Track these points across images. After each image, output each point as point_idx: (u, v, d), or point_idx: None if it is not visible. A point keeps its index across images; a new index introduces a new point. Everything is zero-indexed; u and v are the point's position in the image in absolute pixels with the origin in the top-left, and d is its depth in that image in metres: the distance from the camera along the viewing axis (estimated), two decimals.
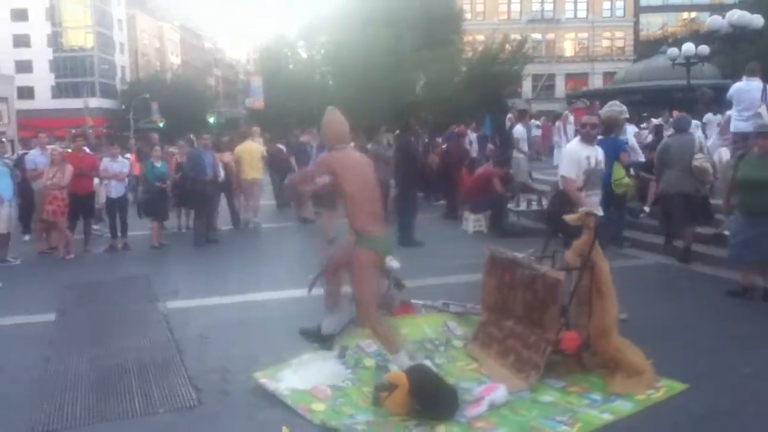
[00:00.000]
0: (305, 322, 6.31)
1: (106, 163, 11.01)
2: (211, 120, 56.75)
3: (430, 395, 4.27)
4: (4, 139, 12.72)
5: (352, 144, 6.56)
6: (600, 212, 5.86)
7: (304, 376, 4.78)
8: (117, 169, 10.96)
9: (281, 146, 16.90)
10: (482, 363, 5.13)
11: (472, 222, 11.27)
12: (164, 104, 56.94)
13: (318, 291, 5.84)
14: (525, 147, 13.16)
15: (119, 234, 10.90)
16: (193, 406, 4.58)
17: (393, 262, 5.63)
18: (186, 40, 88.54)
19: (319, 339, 5.34)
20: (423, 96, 36.23)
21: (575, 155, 5.99)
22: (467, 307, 5.91)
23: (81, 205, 10.66)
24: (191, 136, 15.77)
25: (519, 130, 13.31)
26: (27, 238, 12.00)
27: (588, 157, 5.94)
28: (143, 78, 69.30)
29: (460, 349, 5.42)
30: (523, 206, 11.32)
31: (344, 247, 5.18)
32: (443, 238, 10.85)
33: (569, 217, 5.19)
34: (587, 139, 6.07)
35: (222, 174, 11.96)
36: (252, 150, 13.02)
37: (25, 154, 12.99)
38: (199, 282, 8.50)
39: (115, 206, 10.91)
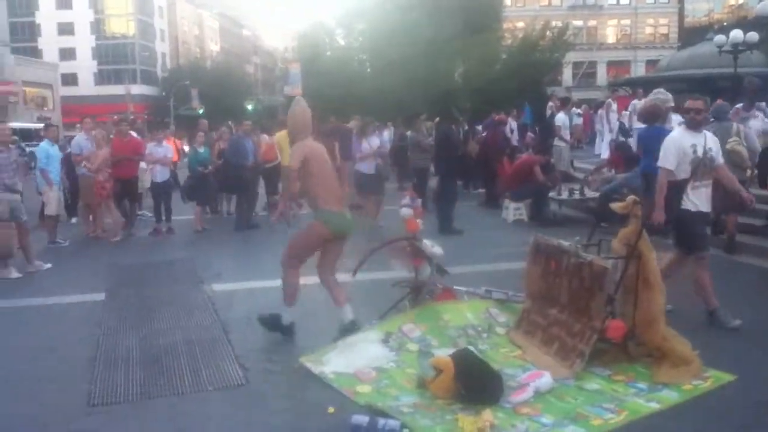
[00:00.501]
0: (350, 305, 6.43)
1: (151, 148, 11.23)
2: (250, 107, 57.29)
3: (476, 380, 4.29)
4: (55, 125, 13.01)
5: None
6: (708, 206, 5.70)
7: (348, 359, 4.85)
8: (162, 154, 11.17)
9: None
10: (526, 350, 5.13)
11: (513, 210, 11.21)
12: (204, 91, 57.65)
13: (361, 276, 5.92)
14: (567, 135, 13.03)
15: (164, 218, 11.12)
16: (241, 385, 4.68)
17: (436, 248, 5.66)
18: (225, 28, 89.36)
19: (281, 329, 5.58)
20: (462, 84, 35.99)
21: (677, 144, 5.63)
22: (509, 295, 5.91)
23: (124, 189, 10.93)
24: (229, 122, 15.99)
25: (561, 118, 13.17)
26: (74, 221, 12.32)
27: (694, 146, 5.59)
28: (183, 65, 70.27)
29: (503, 336, 5.42)
30: (564, 195, 11.21)
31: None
32: (483, 227, 10.84)
33: (616, 205, 5.15)
34: (693, 126, 5.69)
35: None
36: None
37: (71, 138, 13.32)
38: (242, 266, 8.63)
39: (160, 191, 11.13)
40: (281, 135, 12.71)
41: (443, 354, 4.80)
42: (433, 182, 11.37)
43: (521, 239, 9.53)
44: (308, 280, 7.44)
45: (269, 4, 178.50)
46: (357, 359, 4.85)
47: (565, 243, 5.22)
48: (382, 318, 5.62)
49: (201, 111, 52.71)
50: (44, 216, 10.54)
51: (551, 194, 11.19)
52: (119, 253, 9.72)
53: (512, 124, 17.72)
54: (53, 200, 10.03)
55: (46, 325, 6.24)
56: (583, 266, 4.89)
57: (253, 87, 77.04)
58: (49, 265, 8.50)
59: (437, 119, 13.82)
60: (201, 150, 11.44)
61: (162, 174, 11.16)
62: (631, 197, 5.14)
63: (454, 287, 5.90)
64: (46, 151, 10.08)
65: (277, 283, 7.33)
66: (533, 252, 5.49)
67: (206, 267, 8.44)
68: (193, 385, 4.68)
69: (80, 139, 11.53)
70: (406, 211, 5.75)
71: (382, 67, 35.94)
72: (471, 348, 4.95)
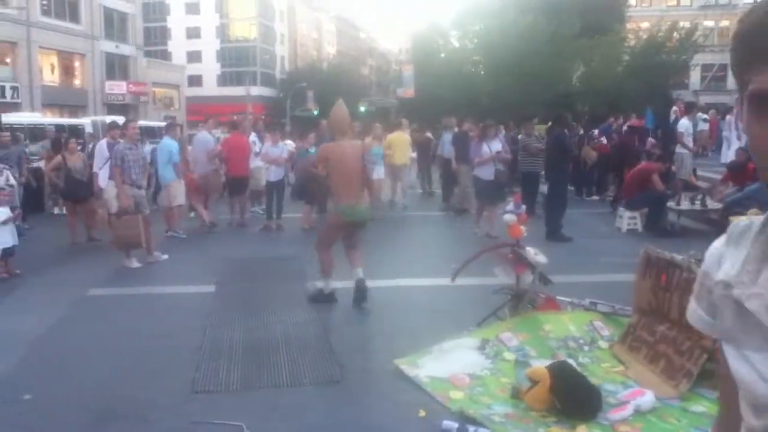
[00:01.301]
0: (445, 310, 6.41)
1: (267, 148, 11.65)
2: (363, 109, 58.14)
3: (572, 394, 4.14)
4: (178, 123, 13.84)
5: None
6: None
7: (443, 365, 4.81)
8: (277, 154, 11.56)
9: (429, 135, 17.15)
10: (629, 366, 4.89)
11: (627, 219, 10.73)
12: (319, 93, 59.11)
13: (461, 281, 5.87)
14: (690, 142, 12.32)
15: (275, 215, 11.51)
16: (337, 381, 4.76)
17: (540, 257, 5.51)
18: (342, 31, 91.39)
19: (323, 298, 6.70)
20: (580, 86, 34.95)
21: None
22: (616, 308, 5.66)
23: (236, 186, 11.55)
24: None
25: (684, 124, 12.48)
26: (192, 215, 12.98)
27: None
28: (301, 67, 72.44)
29: (606, 350, 5.20)
30: (684, 205, 10.60)
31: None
32: (594, 235, 10.45)
33: (737, 219, 4.81)
34: None
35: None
36: (401, 139, 14.08)
37: (193, 135, 14.09)
38: (346, 265, 8.74)
39: (273, 189, 11.53)
40: (392, 136, 13.87)
41: (540, 365, 4.68)
42: (544, 187, 11.06)
43: (633, 250, 9.13)
44: (407, 282, 7.55)
45: (385, 6, 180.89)
46: (452, 365, 4.80)
47: (678, 257, 4.93)
48: (480, 325, 5.54)
49: (316, 112, 54.13)
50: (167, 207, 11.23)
51: (670, 204, 10.63)
52: (231, 247, 10.14)
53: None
54: (181, 191, 10.75)
55: (161, 313, 6.60)
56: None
57: (367, 89, 78.29)
58: (166, 257, 9.00)
59: (549, 123, 13.45)
60: (311, 150, 11.72)
61: (276, 173, 11.55)
62: (753, 210, 4.79)
63: (558, 297, 5.72)
64: (170, 146, 10.73)
65: (379, 283, 7.50)
66: (643, 264, 5.22)
67: (311, 264, 8.61)
68: (291, 379, 4.80)
69: (205, 136, 12.22)
70: (509, 217, 5.64)
71: (496, 69, 35.57)
72: (570, 360, 4.79)
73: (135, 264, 8.55)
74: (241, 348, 5.45)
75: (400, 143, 13.83)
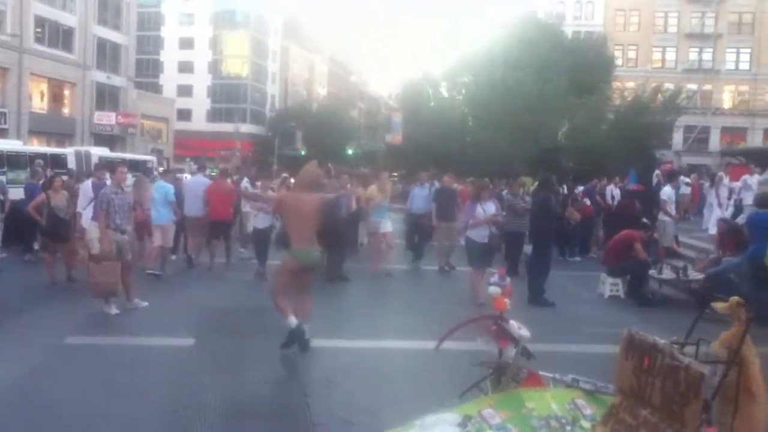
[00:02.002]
0: (429, 376, 6.36)
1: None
2: (350, 151, 58.59)
3: None
4: (174, 169, 14.07)
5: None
6: None
7: None
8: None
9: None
10: None
11: (609, 285, 10.79)
12: (308, 133, 59.56)
13: (445, 345, 5.83)
14: (672, 210, 12.50)
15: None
16: None
17: (523, 331, 5.49)
18: (334, 72, 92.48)
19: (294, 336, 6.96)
20: (565, 143, 35.50)
21: None
22: (598, 386, 5.61)
23: (216, 230, 11.93)
24: (329, 165, 16.42)
25: (667, 191, 12.67)
26: (174, 258, 12.89)
27: None
28: (291, 107, 73.00)
29: (588, 431, 5.16)
30: (665, 274, 10.69)
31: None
32: (577, 301, 10.49)
33: (718, 305, 4.84)
34: None
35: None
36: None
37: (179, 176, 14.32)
38: (328, 321, 8.64)
39: (261, 236, 11.51)
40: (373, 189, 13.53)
41: None
42: (528, 248, 11.09)
43: (614, 319, 9.23)
44: (389, 344, 7.49)
45: (379, 51, 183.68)
46: None
47: (661, 341, 4.94)
48: (462, 397, 5.49)
49: (303, 152, 54.40)
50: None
51: (651, 272, 10.72)
52: (212, 295, 10.02)
53: (613, 190, 17.25)
54: (171, 234, 11.32)
55: (138, 367, 6.47)
56: (678, 369, 4.59)
57: (356, 132, 78.93)
58: (146, 304, 8.87)
59: (534, 184, 13.60)
60: None
61: (263, 220, 11.53)
62: (734, 298, 4.82)
63: (540, 372, 5.68)
64: (166, 188, 11.49)
65: (363, 344, 7.46)
66: (626, 346, 5.19)
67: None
68: None
69: (200, 179, 12.63)
70: (493, 289, 5.62)
71: (484, 121, 36.09)
72: None
73: (114, 310, 8.42)
74: (218, 413, 5.33)
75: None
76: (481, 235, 9.97)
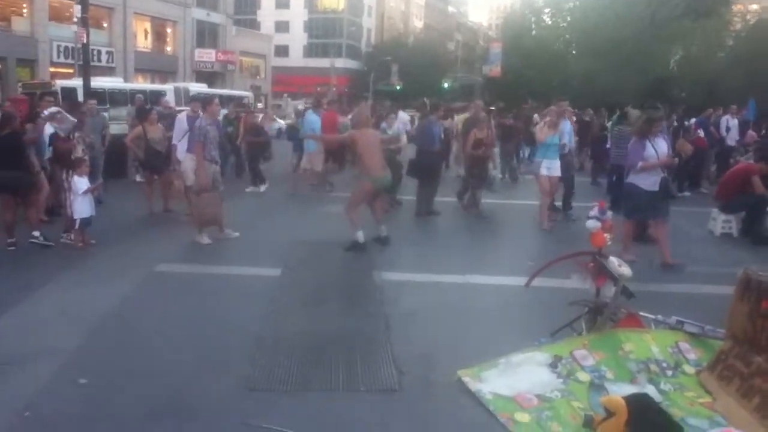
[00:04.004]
0: (516, 314, 6.05)
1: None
2: (446, 85, 57.43)
3: (652, 430, 3.74)
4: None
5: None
6: None
7: (509, 380, 4.47)
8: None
9: (510, 120, 16.82)
10: (718, 398, 4.41)
11: (721, 222, 9.96)
12: (404, 67, 58.72)
13: (536, 282, 5.48)
14: None
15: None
16: (395, 390, 4.49)
17: (624, 268, 5.04)
18: (430, 4, 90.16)
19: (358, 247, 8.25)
20: (678, 72, 33.13)
21: None
22: (705, 329, 5.13)
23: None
24: (425, 99, 16.00)
25: None
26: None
27: None
28: (387, 41, 72.00)
29: (692, 377, 4.72)
30: None
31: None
32: (684, 239, 9.71)
33: None
34: None
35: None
36: None
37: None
38: (416, 255, 8.47)
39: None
40: (460, 118, 14.44)
41: (617, 390, 4.28)
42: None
43: (725, 258, 8.51)
44: (478, 279, 7.20)
45: None
46: (519, 382, 4.45)
47: None
48: (553, 336, 5.16)
49: (399, 87, 53.78)
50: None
51: None
52: (303, 228, 9.99)
53: (729, 121, 15.90)
54: (318, 158, 13.33)
55: (225, 296, 6.51)
56: None
57: (453, 64, 77.13)
58: (237, 234, 8.95)
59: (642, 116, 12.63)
60: (389, 132, 11.44)
61: None
62: None
63: (641, 313, 5.24)
64: (313, 121, 13.20)
65: (448, 278, 7.21)
66: (742, 287, 4.68)
67: (380, 252, 8.40)
68: (347, 383, 4.57)
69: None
70: (592, 223, 5.18)
71: (589, 50, 34.16)
72: (651, 387, 4.37)
73: (206, 240, 8.53)
74: (301, 343, 5.25)
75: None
76: (650, 181, 7.92)
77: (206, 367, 4.77)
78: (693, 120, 15.88)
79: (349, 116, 13.04)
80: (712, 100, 23.15)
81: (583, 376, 4.56)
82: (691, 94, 31.17)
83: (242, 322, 5.71)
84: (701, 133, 14.70)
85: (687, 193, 14.11)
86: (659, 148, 7.94)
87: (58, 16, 34.17)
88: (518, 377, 4.52)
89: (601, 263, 5.10)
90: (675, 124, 14.89)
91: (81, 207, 8.09)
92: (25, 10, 34.02)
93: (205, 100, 9.11)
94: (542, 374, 4.59)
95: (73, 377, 4.50)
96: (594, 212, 5.24)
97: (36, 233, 8.18)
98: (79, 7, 19.95)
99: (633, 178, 8.04)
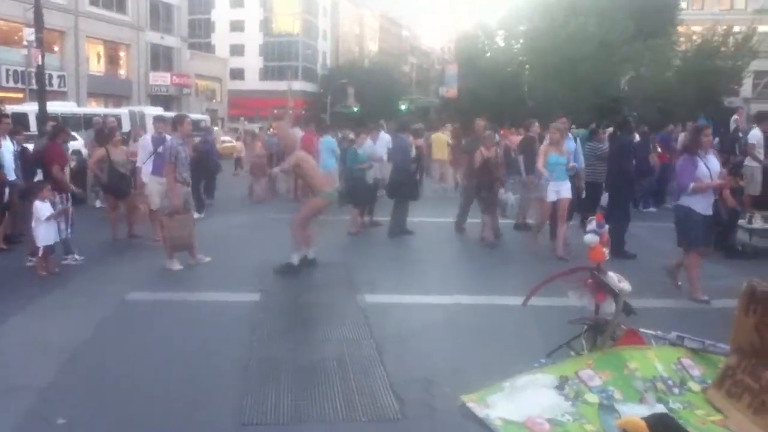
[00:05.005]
0: (512, 334, 5.88)
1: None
2: (403, 107, 57.71)
3: None
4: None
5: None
6: None
7: (517, 405, 4.28)
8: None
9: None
10: (729, 416, 4.29)
11: None
12: (360, 90, 58.89)
13: (534, 302, 5.32)
14: (761, 155, 11.49)
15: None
16: (397, 419, 4.26)
17: (624, 284, 4.92)
18: (385, 28, 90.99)
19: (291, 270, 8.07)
20: (629, 91, 33.94)
21: None
22: (706, 344, 5.04)
23: None
24: (381, 121, 16.02)
25: (755, 135, 11.60)
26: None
27: None
28: (342, 63, 72.22)
29: (698, 394, 4.60)
30: (757, 223, 9.86)
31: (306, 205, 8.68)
32: (659, 253, 9.75)
33: None
34: None
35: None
36: (440, 139, 17.81)
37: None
38: (397, 276, 8.27)
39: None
40: (436, 136, 17.03)
41: (628, 410, 4.13)
42: (603, 199, 10.34)
43: (706, 271, 8.50)
44: (469, 299, 7.02)
45: (430, 4, 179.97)
46: (527, 406, 4.26)
47: None
48: (551, 356, 5.00)
49: (356, 109, 53.84)
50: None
51: (741, 221, 9.90)
52: (273, 250, 9.65)
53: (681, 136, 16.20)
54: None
55: (204, 323, 6.17)
56: None
57: (408, 87, 77.71)
58: (209, 259, 8.60)
59: (610, 129, 12.75)
60: (360, 151, 11.27)
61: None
62: None
63: (640, 330, 5.13)
64: (331, 143, 13.68)
65: (435, 299, 7.01)
66: (746, 299, 4.60)
67: (360, 273, 8.17)
68: (345, 413, 4.32)
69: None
70: (591, 238, 5.06)
71: (543, 71, 34.73)
72: (660, 406, 4.24)
73: (177, 266, 8.17)
74: (291, 371, 4.98)
75: (439, 142, 17.51)
76: (704, 204, 7.17)
77: (192, 400, 4.46)
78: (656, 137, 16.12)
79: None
80: (664, 117, 23.72)
81: (592, 398, 4.40)
82: (642, 112, 31.91)
83: (225, 351, 5.41)
84: (659, 149, 14.95)
85: (653, 209, 14.27)
86: (712, 166, 7.18)
87: (6, 39, 33.19)
88: (525, 401, 4.34)
89: (601, 279, 4.98)
90: (637, 140, 15.08)
91: (45, 234, 7.67)
92: None
93: (176, 119, 8.74)
94: (550, 397, 4.41)
95: (50, 415, 4.15)
96: (591, 226, 5.13)
97: None
98: (30, 30, 19.35)
99: (686, 200, 7.21)
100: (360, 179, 11.04)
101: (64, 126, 10.46)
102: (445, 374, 4.93)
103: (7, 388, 4.54)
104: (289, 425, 4.16)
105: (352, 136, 13.37)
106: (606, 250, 5.10)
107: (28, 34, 23.34)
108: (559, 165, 9.33)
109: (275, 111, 58.19)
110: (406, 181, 10.92)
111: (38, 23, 18.31)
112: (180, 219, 8.11)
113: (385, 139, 12.85)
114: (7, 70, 32.83)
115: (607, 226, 5.22)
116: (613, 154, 9.94)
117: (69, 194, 8.77)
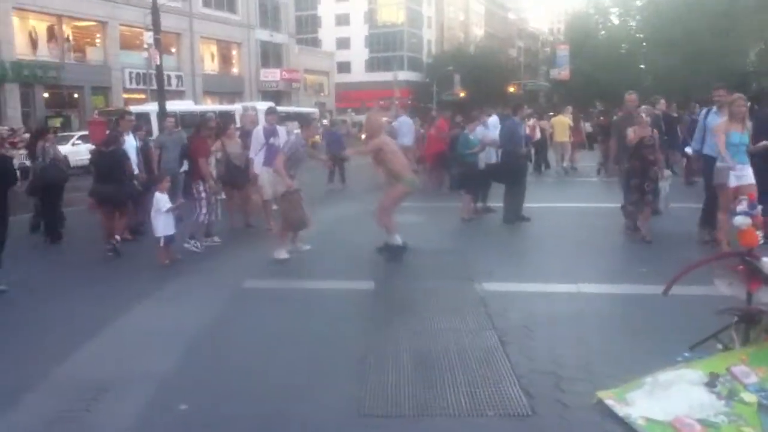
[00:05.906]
0: (647, 326, 5.42)
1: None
2: (512, 91, 56.47)
3: None
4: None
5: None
6: None
7: (662, 403, 3.86)
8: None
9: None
10: None
11: None
12: (466, 76, 58.14)
13: (675, 291, 4.82)
14: None
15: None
16: (526, 415, 3.96)
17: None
18: (490, 12, 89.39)
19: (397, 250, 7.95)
20: (759, 65, 31.49)
21: None
22: None
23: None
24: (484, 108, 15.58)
25: None
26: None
27: None
28: (447, 51, 71.64)
29: None
30: None
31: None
32: None
33: None
34: None
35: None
36: (562, 121, 18.47)
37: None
38: (515, 264, 7.91)
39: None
40: (555, 119, 17.81)
41: None
42: None
43: None
44: (586, 288, 6.58)
45: None
46: (674, 404, 3.84)
47: None
48: (693, 350, 4.52)
49: (463, 95, 53.19)
50: None
51: None
52: (374, 236, 9.45)
53: None
54: None
55: (319, 312, 6.10)
56: None
57: (516, 71, 76.00)
58: (308, 247, 8.56)
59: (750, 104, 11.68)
60: (471, 137, 10.92)
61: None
62: None
63: None
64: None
65: (560, 287, 6.61)
66: None
67: (476, 261, 7.87)
68: (470, 407, 4.06)
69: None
70: (741, 220, 4.52)
71: (661, 47, 32.75)
72: None
73: (284, 255, 8.13)
74: (410, 361, 4.78)
75: (561, 125, 18.23)
76: None
77: (311, 388, 4.35)
78: None
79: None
80: None
81: (749, 397, 3.91)
82: None
83: (342, 340, 5.29)
84: None
85: None
86: None
87: (128, 44, 35.13)
88: (671, 399, 3.91)
89: (754, 265, 4.43)
90: None
91: (164, 224, 7.89)
92: (98, 40, 35.11)
93: (306, 119, 8.83)
94: (699, 395, 3.96)
95: (172, 403, 4.16)
96: (742, 206, 4.58)
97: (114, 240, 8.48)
98: (149, 33, 20.31)
99: None
100: (472, 164, 10.70)
101: (213, 119, 10.54)
102: (574, 368, 4.57)
103: (131, 377, 4.60)
104: (411, 418, 3.96)
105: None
106: (760, 233, 4.54)
107: (148, 37, 24.52)
108: (742, 145, 7.83)
109: (381, 102, 58.52)
110: (513, 167, 10.45)
111: (156, 25, 19.14)
112: (290, 199, 8.04)
113: (493, 123, 12.41)
114: (130, 73, 34.80)
115: (759, 207, 4.65)
116: (758, 129, 8.75)
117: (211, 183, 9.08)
